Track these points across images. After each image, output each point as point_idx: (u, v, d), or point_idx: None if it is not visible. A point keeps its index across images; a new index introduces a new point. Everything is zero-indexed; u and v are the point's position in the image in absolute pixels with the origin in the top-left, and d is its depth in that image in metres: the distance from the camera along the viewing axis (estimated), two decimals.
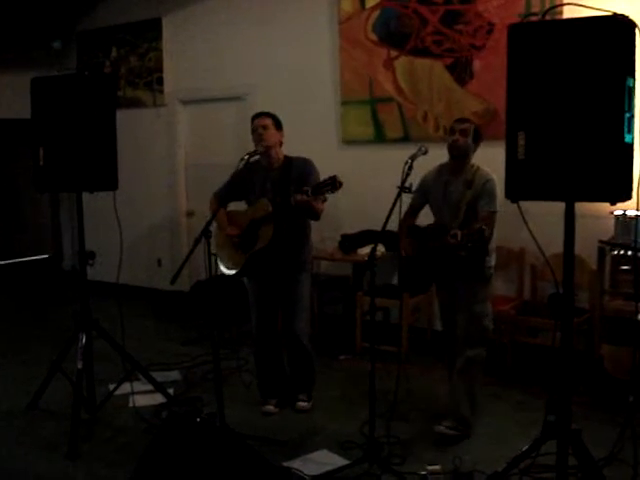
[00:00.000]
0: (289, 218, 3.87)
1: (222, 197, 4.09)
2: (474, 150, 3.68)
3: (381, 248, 4.88)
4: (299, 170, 3.96)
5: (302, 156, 4.06)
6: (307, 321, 4.14)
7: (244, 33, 6.33)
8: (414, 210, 3.87)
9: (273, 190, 3.95)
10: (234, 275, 4.04)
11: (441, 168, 3.77)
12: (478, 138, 3.67)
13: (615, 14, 2.32)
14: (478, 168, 3.66)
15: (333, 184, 3.54)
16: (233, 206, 4.20)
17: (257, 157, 3.94)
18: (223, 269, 4.08)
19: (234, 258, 4.01)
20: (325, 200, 3.87)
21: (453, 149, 3.64)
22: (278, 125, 4.03)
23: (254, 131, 3.97)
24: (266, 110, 4.10)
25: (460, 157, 3.65)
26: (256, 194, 4.00)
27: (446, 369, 3.94)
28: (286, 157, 4.05)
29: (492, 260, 3.68)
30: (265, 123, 3.98)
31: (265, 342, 4.16)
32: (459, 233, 3.29)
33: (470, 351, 3.64)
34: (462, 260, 3.49)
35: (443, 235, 3.43)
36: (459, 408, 3.66)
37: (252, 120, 4.04)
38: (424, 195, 3.80)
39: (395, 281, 5.53)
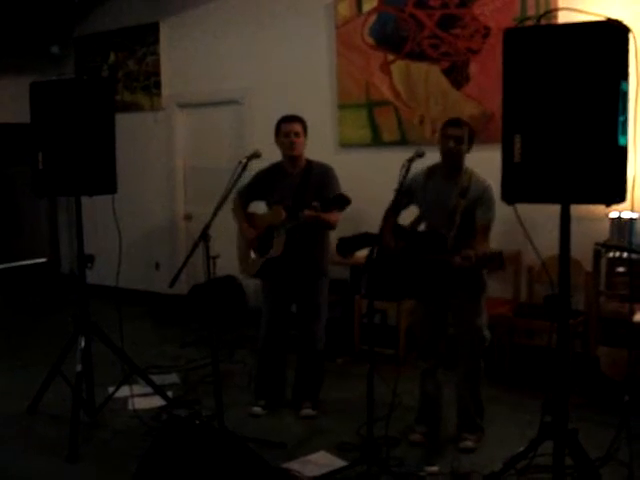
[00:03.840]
0: (302, 228, 3.83)
1: (245, 197, 4.09)
2: (468, 152, 3.50)
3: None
4: (318, 178, 3.91)
5: (323, 162, 4.00)
6: (324, 328, 4.10)
7: (241, 37, 6.36)
8: (396, 209, 3.63)
9: (291, 196, 3.90)
10: (252, 276, 4.10)
11: (432, 170, 3.57)
12: (472, 140, 3.49)
13: (609, 19, 2.35)
14: (472, 173, 3.49)
15: (341, 203, 3.65)
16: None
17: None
18: (241, 270, 4.12)
19: (252, 260, 4.03)
20: (342, 210, 3.84)
21: (447, 157, 3.45)
22: (306, 131, 3.97)
23: (285, 135, 3.88)
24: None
25: (454, 162, 3.49)
26: (275, 198, 3.96)
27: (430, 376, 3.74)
28: (307, 162, 3.98)
29: None
30: (298, 130, 3.90)
31: (273, 345, 4.14)
32: (472, 255, 3.04)
33: (471, 366, 3.58)
34: (462, 274, 3.32)
35: (440, 246, 3.28)
36: (474, 420, 3.62)
37: (280, 123, 3.95)
38: (411, 196, 3.61)
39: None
